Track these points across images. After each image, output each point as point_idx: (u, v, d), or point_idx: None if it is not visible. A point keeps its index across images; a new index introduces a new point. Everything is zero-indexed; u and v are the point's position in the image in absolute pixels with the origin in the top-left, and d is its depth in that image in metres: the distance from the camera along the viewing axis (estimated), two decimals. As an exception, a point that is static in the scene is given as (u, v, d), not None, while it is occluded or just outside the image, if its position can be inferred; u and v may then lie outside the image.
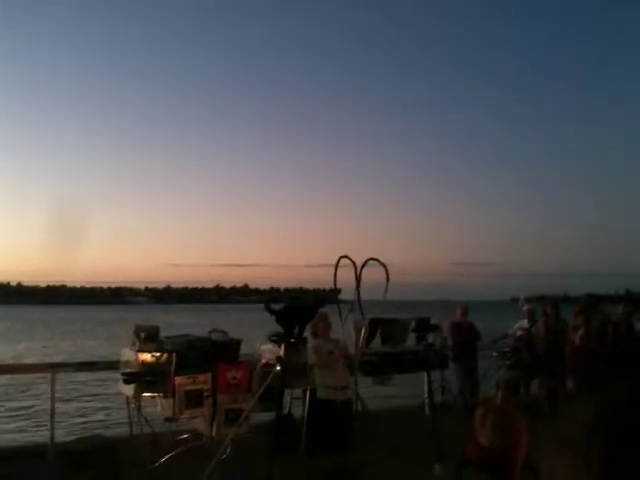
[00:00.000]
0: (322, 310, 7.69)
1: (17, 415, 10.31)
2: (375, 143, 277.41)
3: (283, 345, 6.60)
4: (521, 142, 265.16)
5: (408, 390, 10.94)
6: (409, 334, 9.39)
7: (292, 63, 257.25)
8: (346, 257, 9.66)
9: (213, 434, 6.98)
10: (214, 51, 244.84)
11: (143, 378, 6.37)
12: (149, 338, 6.69)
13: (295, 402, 8.44)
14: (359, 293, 9.65)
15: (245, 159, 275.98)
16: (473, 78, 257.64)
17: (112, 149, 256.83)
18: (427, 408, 9.82)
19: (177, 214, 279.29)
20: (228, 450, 7.14)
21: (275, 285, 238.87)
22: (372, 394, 10.15)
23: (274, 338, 6.76)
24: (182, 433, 7.47)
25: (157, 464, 6.75)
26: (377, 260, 9.92)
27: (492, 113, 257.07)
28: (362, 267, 9.76)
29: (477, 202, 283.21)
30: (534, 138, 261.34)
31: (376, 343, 9.72)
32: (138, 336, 6.72)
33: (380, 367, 9.44)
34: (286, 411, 8.21)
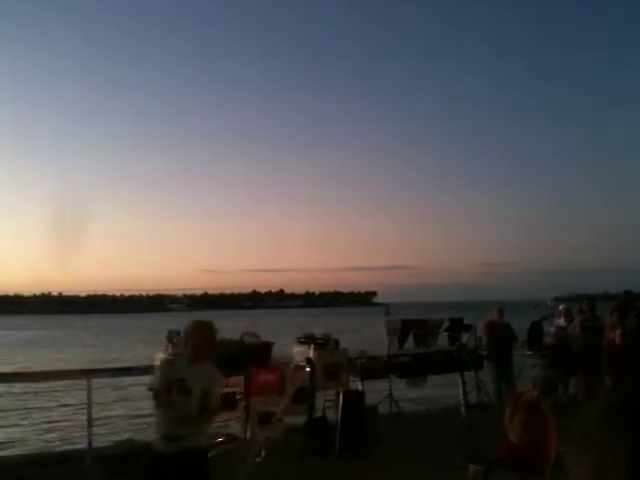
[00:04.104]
0: None
1: (55, 421, 10.53)
2: (406, 146, 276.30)
3: (312, 347, 6.60)
4: (541, 143, 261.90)
5: (443, 391, 10.84)
6: (441, 335, 9.33)
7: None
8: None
9: (247, 436, 7.01)
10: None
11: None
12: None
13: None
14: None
15: (281, 166, 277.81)
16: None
17: (147, 156, 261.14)
18: (462, 408, 9.72)
19: (212, 221, 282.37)
20: (262, 453, 7.18)
21: (310, 289, 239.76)
22: (407, 396, 10.10)
23: (303, 340, 6.78)
24: (217, 436, 7.52)
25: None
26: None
27: (512, 114, 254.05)
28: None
29: (510, 202, 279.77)
30: (551, 139, 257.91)
31: (410, 345, 9.69)
32: (171, 340, 6.79)
33: (414, 368, 9.40)
34: (320, 413, 8.22)
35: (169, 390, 4.18)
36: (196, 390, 4.25)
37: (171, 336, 6.84)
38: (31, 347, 38.45)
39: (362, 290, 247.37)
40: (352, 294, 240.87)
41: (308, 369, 6.50)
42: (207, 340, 4.32)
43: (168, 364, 4.46)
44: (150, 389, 4.35)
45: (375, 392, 9.40)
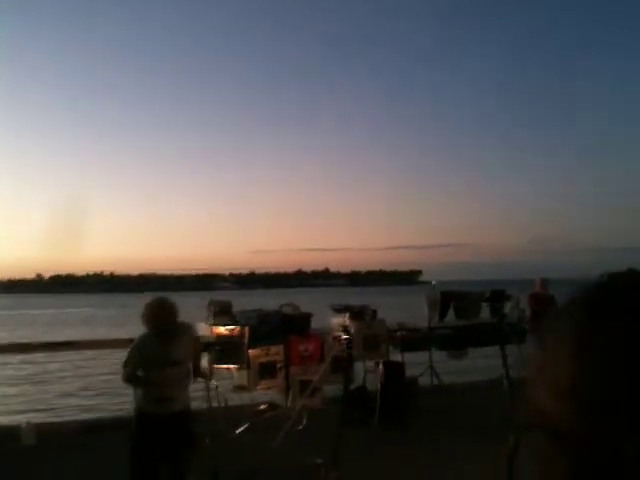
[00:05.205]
0: None
1: (102, 388, 10.90)
2: (450, 127, 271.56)
3: (350, 317, 6.64)
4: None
5: (486, 363, 10.74)
6: (484, 308, 9.23)
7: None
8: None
9: (288, 405, 7.14)
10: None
11: (215, 348, 6.57)
12: (222, 312, 6.90)
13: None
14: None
15: (327, 147, 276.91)
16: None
17: (198, 142, 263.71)
18: (505, 382, 9.63)
19: (258, 201, 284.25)
20: (304, 421, 7.31)
21: (356, 268, 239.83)
22: (448, 368, 10.05)
23: (338, 307, 6.83)
24: (259, 404, 7.68)
25: (233, 434, 6.97)
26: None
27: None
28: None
29: (562, 177, 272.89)
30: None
31: (451, 317, 9.63)
32: (211, 310, 6.94)
33: (454, 341, 9.35)
34: (360, 384, 8.27)
35: (161, 365, 4.60)
36: (183, 361, 4.77)
37: (211, 306, 6.99)
38: (88, 324, 39.69)
39: (408, 269, 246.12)
40: (397, 273, 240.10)
41: (345, 338, 6.55)
42: (173, 315, 4.71)
43: (149, 341, 4.73)
44: (125, 365, 4.73)
45: (415, 364, 9.39)
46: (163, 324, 4.62)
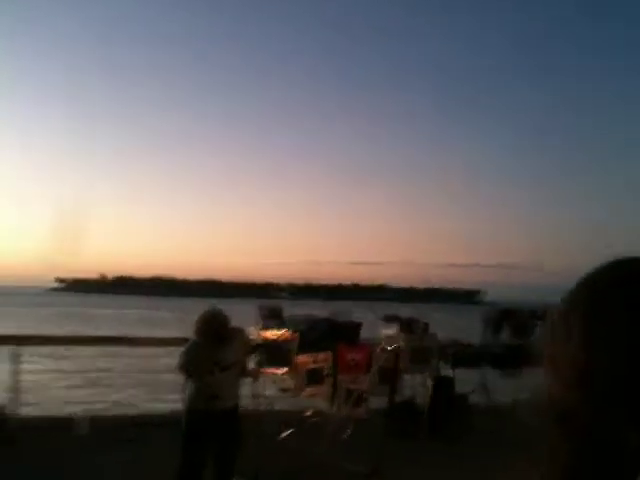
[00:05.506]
0: None
1: (153, 385, 11.11)
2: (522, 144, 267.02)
3: (399, 329, 6.57)
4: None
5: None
6: (538, 325, 8.98)
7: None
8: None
9: (334, 412, 7.11)
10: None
11: (262, 351, 6.61)
12: (271, 316, 6.94)
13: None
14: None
15: (386, 161, 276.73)
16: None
17: (260, 153, 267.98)
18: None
19: (317, 214, 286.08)
20: (349, 430, 7.27)
21: (412, 284, 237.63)
22: (501, 387, 9.79)
23: (388, 317, 6.77)
24: (304, 410, 7.68)
25: (278, 438, 6.99)
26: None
27: None
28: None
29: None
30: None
31: (506, 335, 9.41)
32: (261, 314, 6.99)
33: (508, 359, 9.12)
34: (408, 397, 8.17)
35: (211, 370, 4.95)
36: (233, 365, 5.10)
37: (261, 310, 7.04)
38: (144, 325, 40.73)
39: (466, 287, 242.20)
40: (455, 291, 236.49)
41: (394, 350, 6.49)
42: (223, 326, 5.08)
43: (200, 347, 5.04)
44: (181, 368, 5.08)
45: (466, 382, 9.20)
46: (214, 334, 4.96)
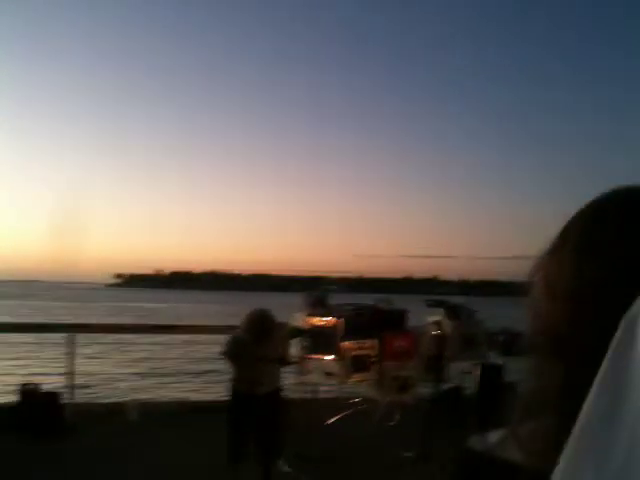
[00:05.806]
0: None
1: (202, 373, 11.34)
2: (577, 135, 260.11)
3: (446, 316, 6.47)
4: None
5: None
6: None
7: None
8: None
9: (380, 399, 7.10)
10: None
11: (307, 337, 6.64)
12: (318, 303, 6.95)
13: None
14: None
15: (440, 153, 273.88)
16: None
17: (307, 146, 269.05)
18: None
19: (369, 206, 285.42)
20: (396, 416, 7.25)
21: (465, 277, 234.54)
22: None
23: (432, 302, 6.68)
24: (351, 397, 7.70)
25: (325, 423, 7.03)
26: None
27: None
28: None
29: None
30: None
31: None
32: (307, 301, 7.01)
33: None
34: (458, 384, 8.05)
35: (252, 361, 5.24)
36: (274, 357, 5.41)
37: (308, 297, 7.06)
38: (202, 317, 41.56)
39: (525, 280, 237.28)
40: (512, 284, 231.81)
41: (438, 336, 6.42)
42: (267, 325, 5.40)
43: (244, 341, 5.35)
44: (225, 355, 5.41)
45: (517, 370, 9.02)
46: (258, 332, 5.30)
